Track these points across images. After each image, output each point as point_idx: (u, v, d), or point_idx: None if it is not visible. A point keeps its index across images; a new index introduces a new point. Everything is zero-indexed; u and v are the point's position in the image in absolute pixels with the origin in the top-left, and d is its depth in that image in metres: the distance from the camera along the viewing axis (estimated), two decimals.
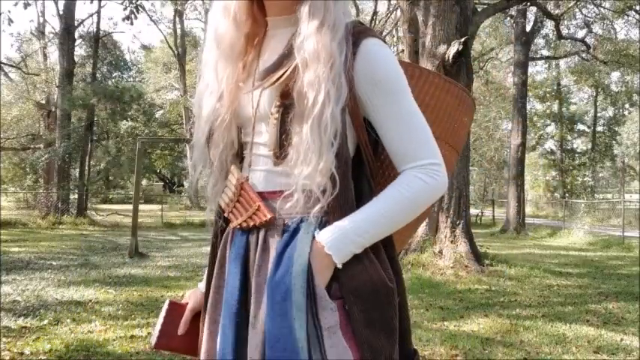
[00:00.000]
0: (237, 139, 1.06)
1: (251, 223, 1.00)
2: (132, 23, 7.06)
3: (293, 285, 0.89)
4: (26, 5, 7.78)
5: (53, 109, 18.70)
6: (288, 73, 0.94)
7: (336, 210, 0.95)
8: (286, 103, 0.94)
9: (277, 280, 0.91)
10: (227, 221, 1.07)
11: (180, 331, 1.12)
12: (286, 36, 1.00)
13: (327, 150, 0.92)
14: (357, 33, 0.97)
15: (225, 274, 1.04)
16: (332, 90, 0.92)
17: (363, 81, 0.95)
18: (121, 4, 7.04)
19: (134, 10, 6.85)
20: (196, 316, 1.13)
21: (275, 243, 0.97)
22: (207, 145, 1.05)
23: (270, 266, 0.95)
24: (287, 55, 0.97)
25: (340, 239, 0.92)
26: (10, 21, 7.70)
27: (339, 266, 0.92)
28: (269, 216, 0.97)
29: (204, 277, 1.12)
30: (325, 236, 0.92)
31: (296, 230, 0.96)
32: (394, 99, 0.96)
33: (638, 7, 16.84)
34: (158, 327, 1.12)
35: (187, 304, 1.15)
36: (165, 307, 1.14)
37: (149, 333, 3.83)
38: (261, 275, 0.97)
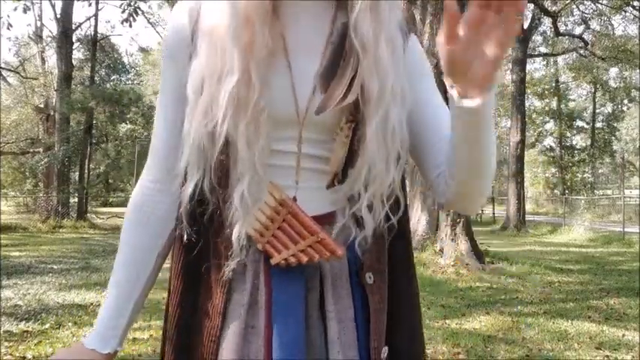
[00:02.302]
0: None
1: (304, 259, 0.74)
2: (130, 25, 7.07)
3: None
4: (26, 9, 7.77)
5: (52, 113, 18.70)
6: (358, 77, 0.74)
7: (380, 252, 0.79)
8: (359, 117, 0.76)
9: None
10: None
11: None
12: (324, 13, 0.79)
13: (394, 164, 0.77)
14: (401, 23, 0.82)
15: (256, 330, 0.76)
16: (396, 85, 0.75)
17: (418, 73, 0.83)
18: (119, 6, 7.04)
19: (132, 13, 6.85)
20: None
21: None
22: (219, 143, 0.74)
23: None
24: (339, 47, 0.76)
25: None
26: (10, 25, 7.68)
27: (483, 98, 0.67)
28: (339, 252, 0.74)
29: (109, 324, 0.82)
30: None
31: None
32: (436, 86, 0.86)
33: (635, 3, 16.85)
34: None
35: None
36: None
37: (151, 335, 3.83)
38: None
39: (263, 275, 0.77)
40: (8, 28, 7.83)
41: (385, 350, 0.79)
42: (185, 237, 0.78)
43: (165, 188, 0.83)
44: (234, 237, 0.75)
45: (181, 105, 0.78)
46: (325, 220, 0.78)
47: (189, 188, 0.76)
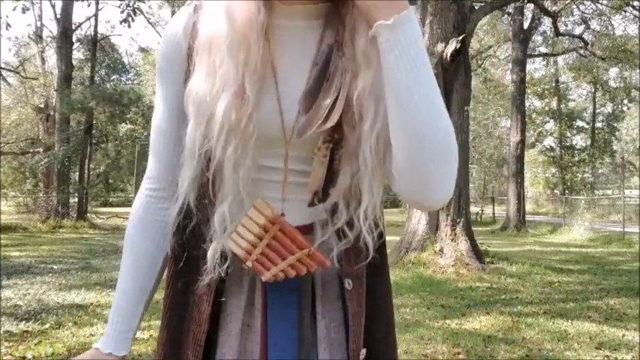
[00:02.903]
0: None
1: (292, 274, 0.76)
2: (129, 26, 7.07)
3: None
4: (25, 10, 7.77)
5: (52, 113, 18.70)
6: (340, 99, 0.73)
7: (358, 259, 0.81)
8: (337, 138, 0.76)
9: None
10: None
11: None
12: (310, 32, 0.79)
13: (378, 184, 0.78)
14: None
15: (251, 326, 0.82)
16: (382, 106, 0.74)
17: None
18: (119, 7, 7.03)
19: (131, 13, 6.85)
20: None
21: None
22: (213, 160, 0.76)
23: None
24: (324, 65, 0.76)
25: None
26: (8, 25, 7.68)
27: (390, 20, 0.67)
28: (327, 263, 0.76)
29: (119, 329, 0.86)
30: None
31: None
32: None
33: (635, 3, 16.84)
34: None
35: None
36: None
37: (151, 335, 3.83)
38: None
39: (259, 279, 0.80)
40: (7, 29, 7.82)
41: (363, 352, 0.81)
42: (172, 246, 0.83)
43: (166, 195, 0.86)
44: (209, 254, 0.77)
45: (175, 118, 0.83)
46: (306, 230, 0.80)
47: (179, 201, 0.80)
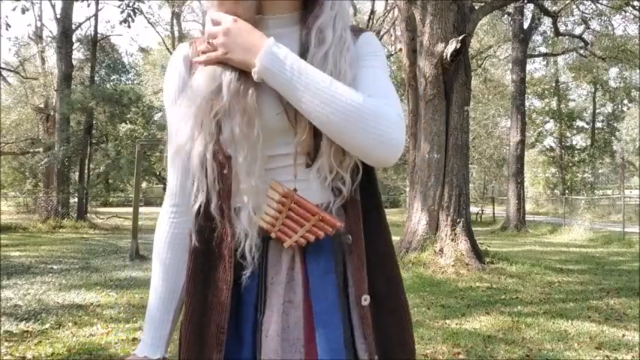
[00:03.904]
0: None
1: (311, 238, 0.90)
2: (129, 26, 7.06)
3: None
4: (24, 10, 7.76)
5: (52, 113, 18.70)
6: None
7: (355, 217, 0.96)
8: None
9: None
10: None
11: None
12: (293, 36, 0.97)
13: None
14: (356, 28, 1.02)
15: (293, 305, 0.92)
16: (348, 71, 0.92)
17: (363, 52, 0.98)
18: (118, 7, 7.02)
19: (131, 13, 6.84)
20: None
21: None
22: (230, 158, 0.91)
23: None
24: (302, 55, 0.92)
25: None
26: (8, 26, 7.67)
27: (256, 65, 0.87)
28: (338, 223, 0.90)
29: (153, 335, 1.00)
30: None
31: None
32: (381, 68, 0.99)
33: (635, 3, 16.84)
34: None
35: None
36: None
37: None
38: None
39: (298, 254, 0.94)
40: (7, 29, 7.80)
41: (366, 298, 0.93)
42: (192, 245, 0.94)
43: (184, 209, 0.98)
44: (246, 248, 0.91)
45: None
46: (320, 207, 0.93)
47: (195, 207, 0.92)
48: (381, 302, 0.96)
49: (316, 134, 0.91)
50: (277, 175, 0.93)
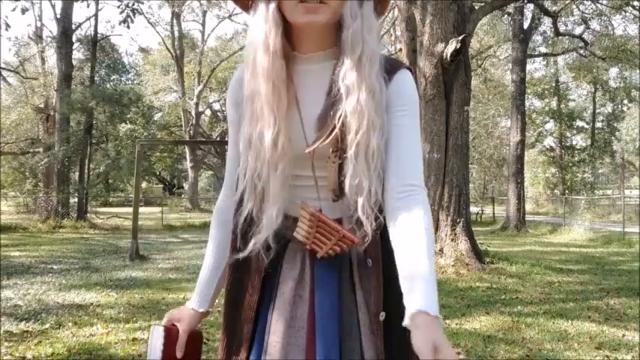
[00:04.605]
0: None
1: (338, 250, 1.04)
2: (128, 27, 7.05)
3: None
4: (24, 10, 7.74)
5: (52, 113, 18.69)
6: (341, 119, 1.01)
7: (375, 244, 1.05)
8: (343, 147, 1.02)
9: None
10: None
11: (179, 354, 1.13)
12: (324, 72, 1.06)
13: (377, 178, 1.02)
14: (392, 65, 1.08)
15: (302, 299, 1.08)
16: (375, 120, 1.00)
17: (394, 101, 1.06)
18: (118, 7, 7.01)
19: (130, 14, 6.83)
20: (191, 335, 1.16)
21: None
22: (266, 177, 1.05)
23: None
24: (335, 97, 1.03)
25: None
26: (7, 26, 7.66)
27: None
28: (357, 240, 1.02)
29: (202, 293, 1.19)
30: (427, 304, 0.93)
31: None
32: (414, 121, 1.07)
33: (635, 3, 16.84)
34: (159, 355, 1.12)
35: (176, 326, 1.15)
36: (160, 333, 1.14)
37: None
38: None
39: (309, 259, 1.09)
40: (7, 29, 7.78)
41: (383, 314, 1.04)
42: (237, 245, 1.11)
43: (232, 201, 1.15)
44: (271, 241, 1.07)
45: (237, 147, 1.13)
46: (339, 222, 1.06)
47: (244, 213, 1.08)
48: (394, 319, 1.00)
49: (341, 176, 1.03)
50: (302, 192, 1.09)
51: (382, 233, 1.04)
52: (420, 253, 0.95)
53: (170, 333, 1.14)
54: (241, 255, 1.09)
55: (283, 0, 1.02)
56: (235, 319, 1.12)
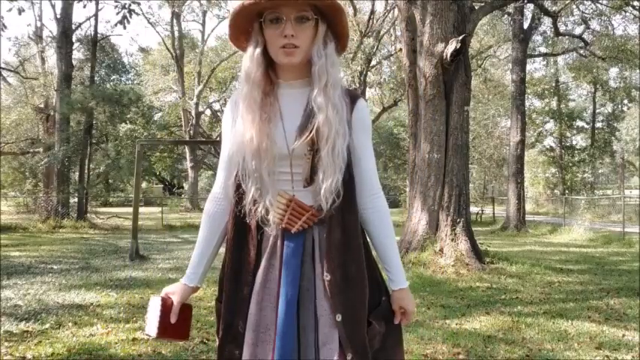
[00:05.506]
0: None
1: (306, 225, 1.39)
2: (124, 27, 7.01)
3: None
4: (20, 11, 7.70)
5: (52, 113, 18.68)
6: (314, 128, 1.37)
7: (336, 217, 1.40)
8: (315, 147, 1.38)
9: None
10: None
11: (173, 320, 1.44)
12: (302, 95, 1.43)
13: (339, 172, 1.38)
14: (352, 94, 1.48)
15: (274, 267, 1.40)
16: (339, 129, 1.38)
17: (359, 127, 1.45)
18: (115, 7, 6.98)
19: (127, 15, 6.79)
20: (182, 307, 1.48)
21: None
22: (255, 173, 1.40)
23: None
24: (310, 113, 1.39)
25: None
26: (4, 27, 7.62)
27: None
28: (320, 214, 1.38)
29: (192, 271, 1.51)
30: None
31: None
32: (370, 142, 1.50)
33: (635, 3, 16.83)
34: (156, 320, 1.41)
35: (171, 298, 1.48)
36: (157, 303, 1.44)
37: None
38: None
39: (280, 236, 1.40)
40: (3, 30, 7.73)
41: (327, 275, 1.39)
42: (233, 220, 1.44)
43: (224, 196, 1.48)
44: (271, 218, 1.40)
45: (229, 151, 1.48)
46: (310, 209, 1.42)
47: (249, 195, 1.40)
48: (347, 280, 1.39)
49: (313, 170, 1.38)
50: (281, 184, 1.41)
51: (343, 215, 1.39)
52: (389, 236, 1.50)
53: (165, 303, 1.44)
54: (248, 220, 1.41)
55: (269, 45, 1.39)
56: (237, 285, 1.42)
